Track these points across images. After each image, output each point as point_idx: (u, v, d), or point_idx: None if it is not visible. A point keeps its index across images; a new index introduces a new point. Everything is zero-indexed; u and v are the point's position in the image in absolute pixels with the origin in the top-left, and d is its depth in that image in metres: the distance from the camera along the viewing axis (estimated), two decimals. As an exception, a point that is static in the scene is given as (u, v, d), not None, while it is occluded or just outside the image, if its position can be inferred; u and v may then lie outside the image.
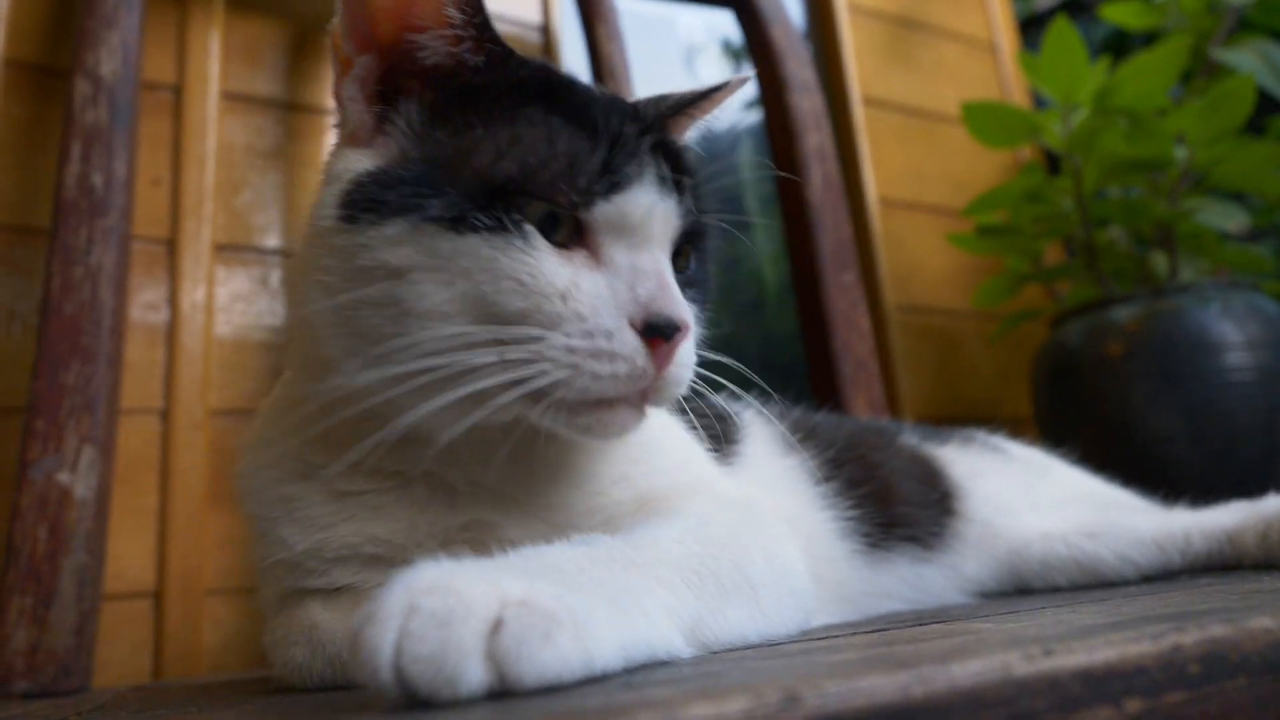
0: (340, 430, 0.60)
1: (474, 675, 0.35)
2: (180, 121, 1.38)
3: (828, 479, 0.90)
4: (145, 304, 1.31)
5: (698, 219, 0.65)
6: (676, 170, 0.63)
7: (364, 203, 0.58)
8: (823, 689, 0.30)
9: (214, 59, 1.42)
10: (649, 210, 0.59)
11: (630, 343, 0.56)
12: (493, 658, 0.36)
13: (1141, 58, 1.59)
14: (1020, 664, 0.34)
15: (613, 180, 0.58)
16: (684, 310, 0.58)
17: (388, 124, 0.62)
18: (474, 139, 0.58)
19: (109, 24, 1.22)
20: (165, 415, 1.28)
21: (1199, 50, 1.79)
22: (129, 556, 1.21)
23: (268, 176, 1.44)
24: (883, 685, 0.31)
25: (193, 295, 1.33)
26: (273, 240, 1.42)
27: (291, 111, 1.48)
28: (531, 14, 1.69)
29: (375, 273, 0.56)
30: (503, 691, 0.36)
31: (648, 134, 0.62)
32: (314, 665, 0.61)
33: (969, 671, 0.33)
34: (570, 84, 0.63)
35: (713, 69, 2.30)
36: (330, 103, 1.52)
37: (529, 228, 0.56)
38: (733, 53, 2.32)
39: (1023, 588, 1.02)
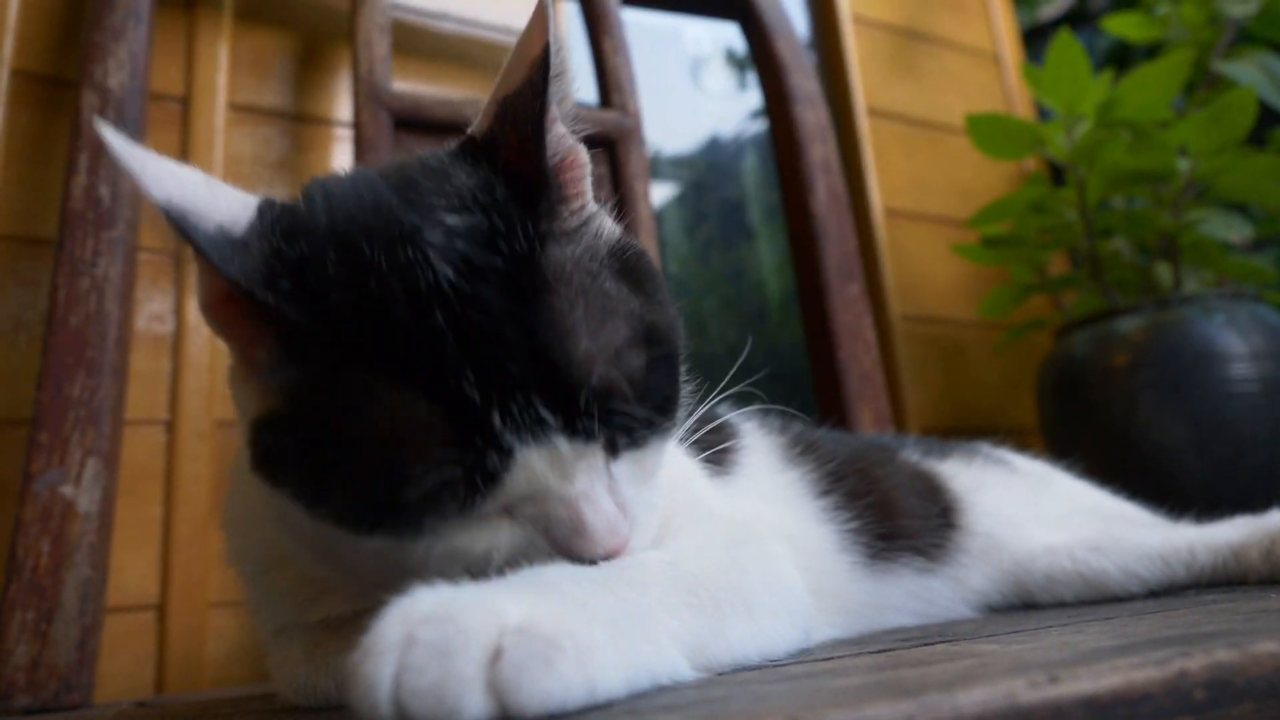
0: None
1: (475, 706, 0.35)
2: (188, 133, 1.38)
3: (828, 492, 0.90)
4: (151, 315, 1.32)
5: (629, 389, 0.53)
6: (581, 368, 0.50)
7: (257, 459, 0.53)
8: (827, 718, 0.30)
9: (222, 70, 1.42)
10: (543, 473, 0.51)
11: None
12: (494, 688, 0.35)
13: (1144, 70, 1.59)
14: (1025, 691, 0.34)
15: (491, 473, 0.49)
16: (614, 535, 0.52)
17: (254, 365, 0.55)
18: (316, 413, 0.50)
19: (117, 36, 1.22)
20: (170, 426, 1.28)
21: (1200, 62, 1.79)
22: (132, 569, 1.21)
23: (275, 188, 1.44)
24: (886, 714, 0.31)
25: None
26: (278, 252, 1.42)
27: (299, 123, 1.49)
28: (536, 26, 1.69)
29: (294, 528, 0.55)
30: (505, 720, 0.35)
31: (519, 352, 0.49)
32: (318, 683, 0.61)
33: (974, 700, 0.33)
34: (417, 316, 0.49)
35: (717, 81, 2.31)
36: (337, 113, 1.54)
37: (425, 520, 0.49)
38: (737, 63, 2.33)
39: (1028, 601, 1.02)
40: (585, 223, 0.58)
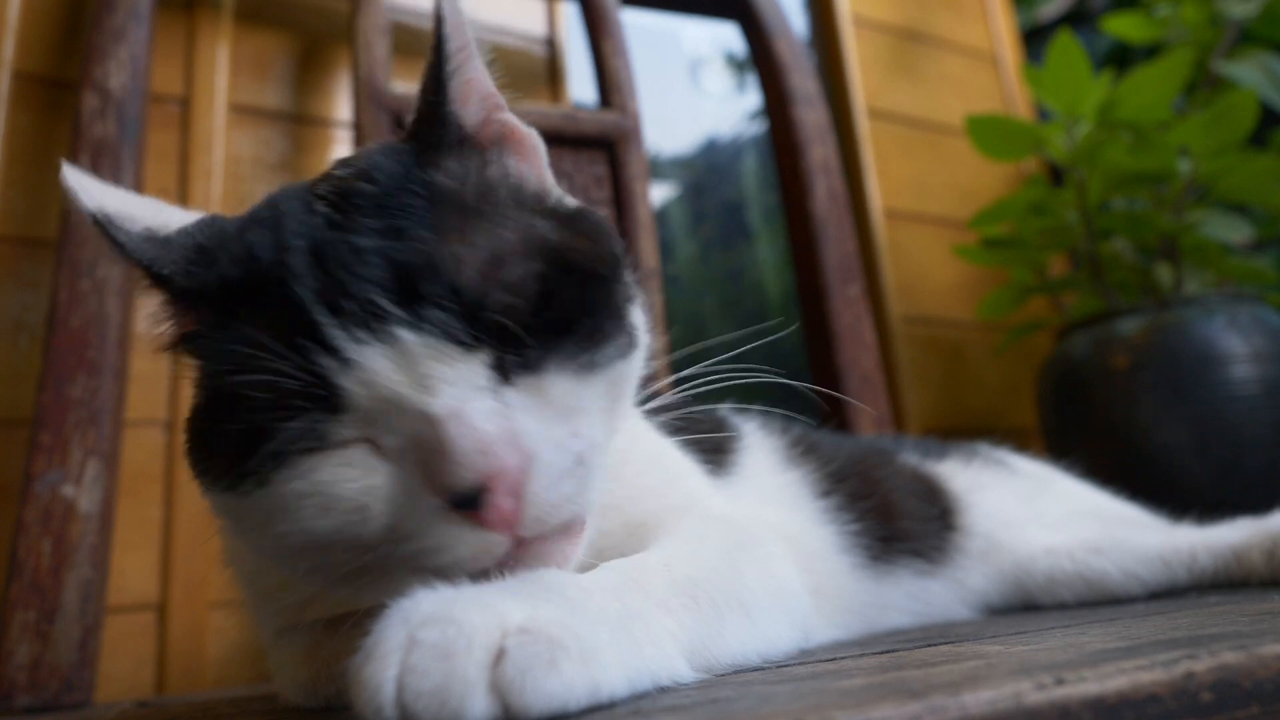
0: None
1: (479, 708, 0.35)
2: (188, 134, 1.38)
3: (829, 494, 0.90)
4: (150, 315, 1.31)
5: (508, 291, 0.49)
6: (438, 262, 0.48)
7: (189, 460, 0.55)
8: (833, 720, 0.30)
9: (222, 72, 1.42)
10: (389, 379, 0.47)
11: (446, 533, 0.47)
12: (497, 688, 0.35)
13: (1144, 71, 1.59)
14: (1032, 693, 0.34)
15: (324, 379, 0.47)
16: (488, 456, 0.45)
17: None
18: (208, 384, 0.53)
19: (118, 37, 1.22)
20: (169, 427, 1.28)
21: (1201, 63, 1.79)
22: (132, 569, 1.21)
23: (275, 188, 1.44)
24: (893, 715, 0.31)
25: (198, 307, 1.33)
26: (278, 252, 1.42)
27: (299, 124, 1.49)
28: (537, 28, 1.69)
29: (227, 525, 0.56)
30: (508, 721, 0.35)
31: (372, 256, 0.48)
32: (319, 683, 0.60)
33: (981, 701, 0.33)
34: (275, 252, 0.51)
35: (717, 81, 2.31)
36: (337, 114, 1.54)
37: (291, 461, 0.48)
38: (736, 65, 2.33)
39: (1029, 603, 1.02)
40: (505, 172, 0.58)
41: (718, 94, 2.31)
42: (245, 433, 0.48)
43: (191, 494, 1.26)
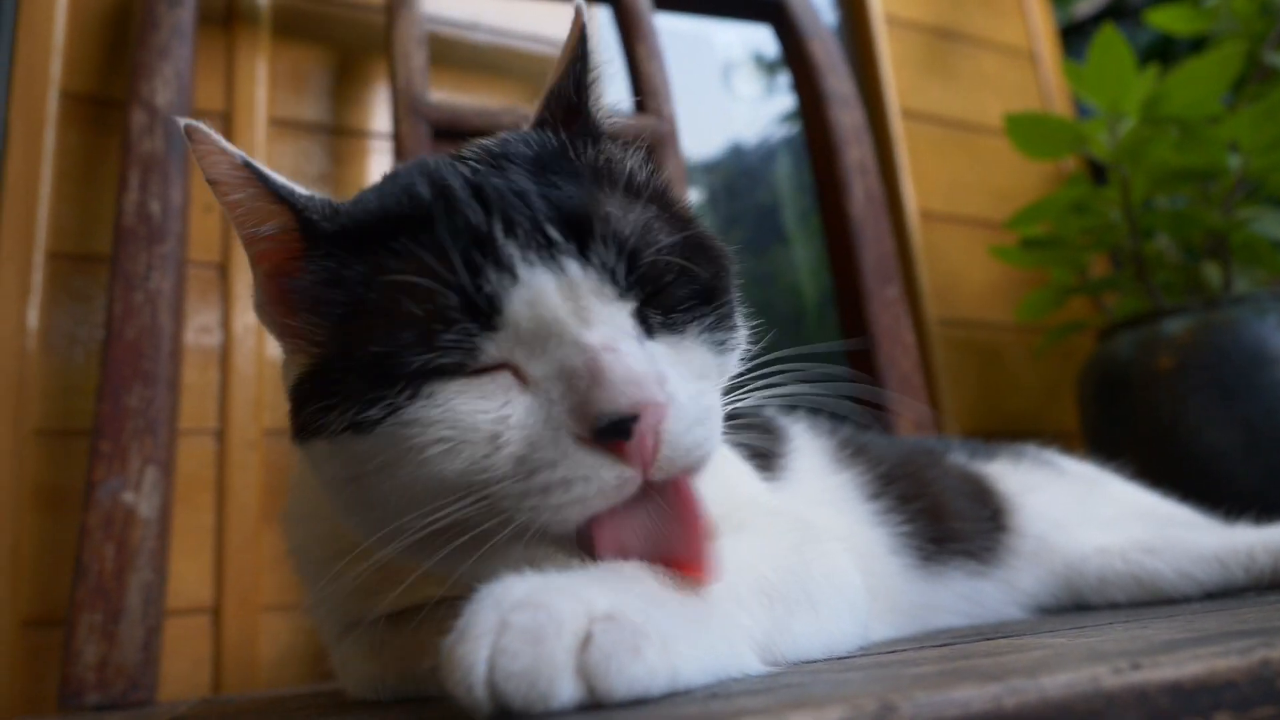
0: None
1: (566, 689, 0.36)
2: (231, 148, 1.41)
3: (879, 495, 0.90)
4: (199, 327, 1.34)
5: (659, 253, 0.52)
6: (603, 213, 0.51)
7: (295, 421, 0.56)
8: (916, 699, 0.30)
9: (261, 86, 1.45)
10: (553, 303, 0.49)
11: (584, 463, 0.47)
12: (583, 672, 0.36)
13: (1192, 64, 1.56)
14: (1109, 677, 0.34)
15: (489, 294, 0.49)
16: (640, 388, 0.47)
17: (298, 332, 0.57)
18: (345, 328, 0.53)
19: (163, 55, 1.26)
20: (220, 436, 1.31)
21: (1252, 55, 1.75)
22: (188, 574, 1.24)
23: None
24: (975, 696, 0.31)
25: (244, 318, 1.36)
26: (322, 262, 1.44)
27: (337, 136, 1.51)
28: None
29: (332, 482, 0.55)
30: (592, 704, 0.36)
31: (537, 199, 0.51)
32: (386, 679, 0.62)
33: (1058, 684, 0.33)
34: (435, 190, 0.53)
35: (748, 85, 2.32)
36: (375, 126, 1.57)
37: (428, 387, 0.49)
38: (767, 67, 2.33)
39: (1080, 604, 1.00)
40: (637, 163, 0.61)
41: (748, 97, 2.31)
42: (383, 361, 0.49)
43: (242, 502, 1.29)
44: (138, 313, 1.14)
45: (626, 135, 0.64)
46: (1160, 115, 1.55)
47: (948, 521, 0.94)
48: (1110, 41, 1.57)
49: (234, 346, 1.35)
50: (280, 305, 0.58)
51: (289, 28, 1.51)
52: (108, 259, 1.23)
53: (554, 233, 0.50)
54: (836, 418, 0.97)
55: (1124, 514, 1.08)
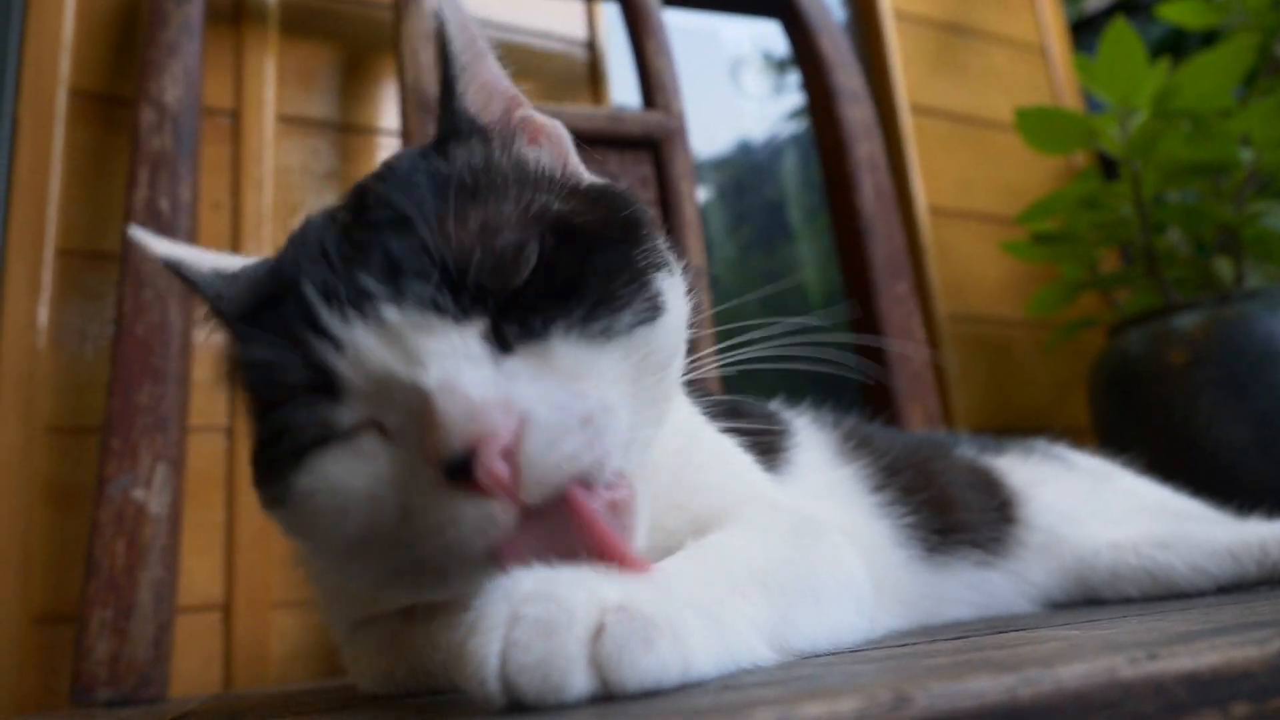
0: None
1: (579, 681, 0.36)
2: (239, 146, 1.41)
3: (883, 487, 0.90)
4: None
5: (499, 261, 0.49)
6: (416, 243, 0.49)
7: None
8: (930, 690, 0.30)
9: (270, 83, 1.45)
10: (375, 356, 0.47)
11: (449, 505, 0.46)
12: (596, 664, 0.36)
13: (1204, 57, 1.56)
14: (1125, 667, 0.34)
15: (321, 367, 0.48)
16: (476, 421, 0.44)
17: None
18: (251, 405, 0.55)
19: (172, 52, 1.26)
20: (230, 433, 1.31)
21: (1264, 48, 1.74)
22: (198, 571, 1.24)
23: (324, 197, 1.47)
24: (990, 687, 0.31)
25: (255, 315, 1.36)
26: (331, 260, 1.45)
27: (345, 133, 1.51)
28: (577, 31, 1.71)
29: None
30: (605, 696, 0.36)
31: (372, 247, 0.49)
32: (398, 673, 0.62)
33: (1075, 674, 0.33)
34: (288, 261, 0.53)
35: (756, 81, 2.31)
36: (384, 122, 1.57)
37: (307, 460, 0.50)
38: (775, 64, 2.32)
39: (1092, 598, 1.00)
40: (515, 158, 0.59)
41: (756, 94, 2.31)
42: (274, 439, 0.51)
43: (252, 499, 1.28)
44: (147, 309, 1.15)
45: (523, 121, 0.62)
46: (1171, 109, 1.55)
47: (954, 512, 0.93)
48: (1121, 35, 1.56)
49: (243, 344, 1.35)
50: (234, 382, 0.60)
51: (297, 25, 1.51)
52: (117, 256, 1.23)
53: (368, 283, 0.48)
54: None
55: (1136, 508, 1.07)
